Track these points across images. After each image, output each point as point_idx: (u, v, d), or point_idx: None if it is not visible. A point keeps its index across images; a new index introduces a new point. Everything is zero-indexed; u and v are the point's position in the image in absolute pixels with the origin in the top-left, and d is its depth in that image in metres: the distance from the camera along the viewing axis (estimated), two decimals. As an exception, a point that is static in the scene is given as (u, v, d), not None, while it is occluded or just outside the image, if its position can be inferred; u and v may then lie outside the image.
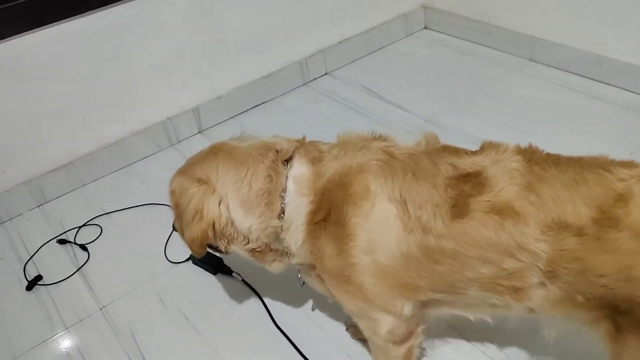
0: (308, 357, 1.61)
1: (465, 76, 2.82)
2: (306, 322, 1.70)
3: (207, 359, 1.65)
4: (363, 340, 1.62)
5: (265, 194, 1.31)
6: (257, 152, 1.34)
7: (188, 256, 1.96)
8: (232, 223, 1.33)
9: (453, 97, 2.65)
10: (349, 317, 1.66)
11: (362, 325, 1.38)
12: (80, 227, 2.16)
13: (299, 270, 1.44)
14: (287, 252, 1.37)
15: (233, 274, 1.88)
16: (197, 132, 2.65)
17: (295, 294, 1.76)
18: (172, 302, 1.83)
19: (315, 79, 2.95)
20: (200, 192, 1.31)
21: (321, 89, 2.89)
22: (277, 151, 1.33)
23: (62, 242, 2.10)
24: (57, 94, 2.18)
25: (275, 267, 1.47)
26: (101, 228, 2.15)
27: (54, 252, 2.07)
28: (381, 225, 1.18)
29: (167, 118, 2.52)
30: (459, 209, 1.12)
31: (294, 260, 1.38)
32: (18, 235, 2.16)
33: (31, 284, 1.92)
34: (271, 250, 1.41)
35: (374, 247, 1.19)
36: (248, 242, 1.37)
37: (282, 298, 1.80)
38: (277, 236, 1.35)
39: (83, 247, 2.06)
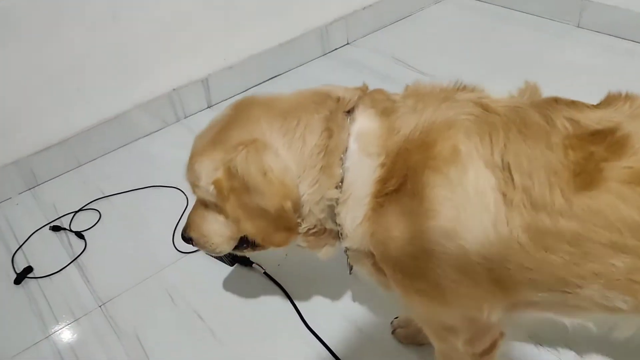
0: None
1: (500, 43, 2.56)
2: (340, 321, 1.44)
3: (224, 363, 1.41)
4: (415, 345, 1.37)
5: (323, 154, 1.03)
6: (310, 100, 1.06)
7: (200, 245, 1.71)
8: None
9: (489, 65, 2.38)
10: (397, 317, 1.41)
11: (431, 333, 1.13)
12: (76, 212, 1.89)
13: (347, 253, 1.15)
14: (339, 232, 1.08)
15: (253, 265, 1.63)
16: (206, 106, 2.38)
17: (327, 289, 1.52)
18: (183, 298, 1.57)
19: (336, 48, 2.69)
20: (253, 152, 1.02)
21: (344, 59, 2.63)
22: (337, 99, 1.05)
23: (56, 228, 1.84)
24: (48, 60, 1.91)
25: (325, 253, 1.18)
26: (100, 213, 1.89)
27: (47, 241, 1.81)
28: (474, 199, 0.90)
29: (173, 89, 2.25)
30: (586, 178, 0.85)
31: (346, 244, 1.09)
32: (6, 222, 1.90)
33: (20, 277, 1.66)
34: (325, 231, 1.13)
35: (461, 228, 0.91)
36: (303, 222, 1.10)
37: (311, 293, 1.54)
38: (332, 211, 1.07)
39: (79, 235, 1.80)
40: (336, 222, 1.07)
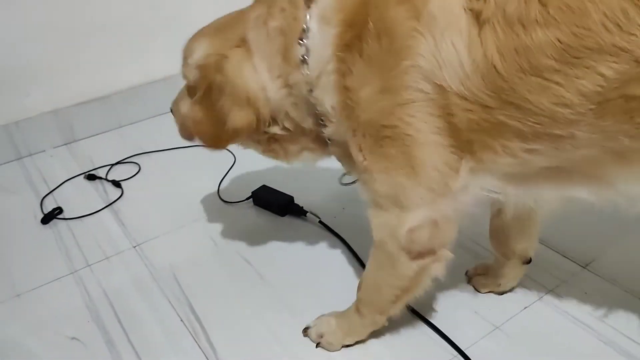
0: (415, 309, 1.16)
1: None
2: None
3: (274, 307, 1.20)
4: (496, 292, 1.19)
5: (280, 36, 0.97)
6: None
7: (249, 195, 1.55)
8: (265, 92, 1.00)
9: None
10: (474, 267, 1.24)
11: (378, 220, 0.99)
12: (114, 164, 1.76)
13: (331, 149, 1.05)
14: (323, 128, 0.99)
15: (307, 214, 1.46)
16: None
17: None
18: (228, 243, 1.40)
19: None
20: (234, 61, 0.99)
21: None
22: None
23: (91, 177, 1.69)
24: (98, 11, 1.83)
25: (306, 158, 1.11)
26: (139, 166, 1.74)
27: (80, 188, 1.67)
28: (442, 21, 0.80)
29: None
30: None
31: (329, 131, 0.98)
32: (37, 170, 1.76)
33: (48, 217, 1.51)
34: (303, 132, 1.05)
35: (436, 63, 0.80)
36: (273, 124, 1.05)
37: (369, 244, 1.34)
38: (307, 101, 0.98)
39: (116, 184, 1.65)
40: (317, 112, 0.97)
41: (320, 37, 0.92)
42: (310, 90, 0.95)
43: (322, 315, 1.15)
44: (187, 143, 1.94)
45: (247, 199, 1.54)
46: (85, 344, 1.15)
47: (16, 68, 1.76)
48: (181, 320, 1.19)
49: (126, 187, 1.65)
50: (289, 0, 0.96)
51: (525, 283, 1.22)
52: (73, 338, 1.16)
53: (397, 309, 1.06)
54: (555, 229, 1.34)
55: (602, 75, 0.74)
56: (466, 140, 0.86)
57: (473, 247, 1.33)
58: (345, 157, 1.03)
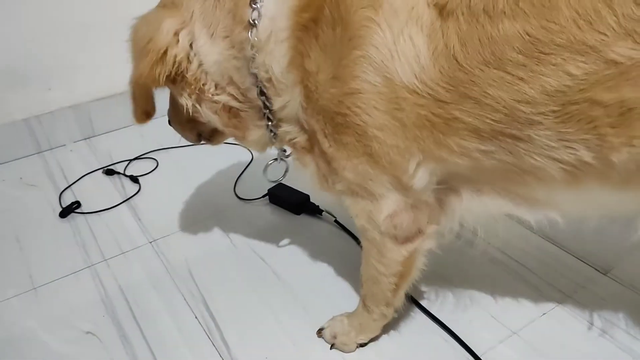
0: (424, 307, 1.16)
1: None
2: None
3: (288, 306, 1.20)
4: None
5: (230, 1, 0.92)
6: None
7: (265, 192, 1.54)
8: (198, 58, 0.96)
9: None
10: None
11: (356, 207, 0.98)
12: (132, 159, 1.77)
13: (276, 131, 1.02)
14: (265, 100, 0.96)
15: (323, 213, 1.45)
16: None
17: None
18: (243, 241, 1.39)
19: None
20: (155, 16, 0.97)
21: None
22: None
23: (109, 172, 1.70)
24: (123, 2, 1.83)
25: (253, 138, 1.07)
26: (157, 162, 1.75)
27: (98, 183, 1.68)
28: (403, 16, 0.77)
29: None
30: None
31: (277, 104, 0.96)
32: (57, 164, 1.78)
33: (66, 211, 1.52)
34: (251, 104, 1.01)
35: (389, 55, 0.78)
36: (218, 89, 1.00)
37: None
38: (247, 65, 0.93)
39: (134, 179, 1.66)
40: (259, 79, 0.94)
41: (275, 3, 0.89)
42: (254, 55, 0.92)
43: (335, 316, 1.14)
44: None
45: (263, 196, 1.54)
46: (100, 339, 1.15)
47: (39, 63, 1.78)
48: (195, 317, 1.19)
49: (144, 183, 1.65)
50: None
51: (544, 288, 1.20)
52: (88, 332, 1.17)
53: (399, 298, 1.06)
54: (575, 234, 1.32)
55: (569, 74, 0.71)
56: (414, 136, 0.83)
57: (488, 249, 1.31)
58: (297, 147, 1.02)
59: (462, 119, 0.79)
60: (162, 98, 1.13)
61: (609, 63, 0.69)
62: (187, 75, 0.97)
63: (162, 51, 0.94)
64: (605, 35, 0.68)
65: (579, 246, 1.30)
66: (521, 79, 0.73)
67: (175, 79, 0.98)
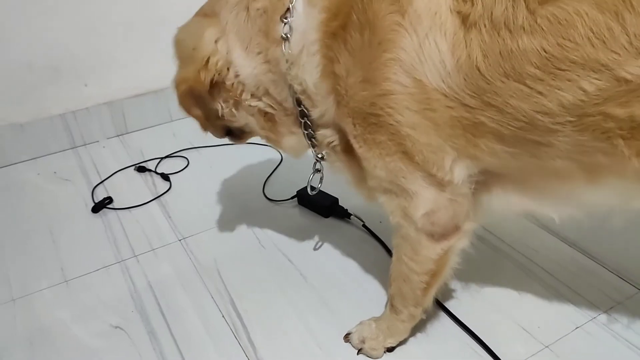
0: (455, 315, 1.14)
1: None
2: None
3: (315, 308, 1.19)
4: None
5: (263, 16, 0.97)
6: None
7: (293, 194, 1.54)
8: (234, 68, 1.02)
9: None
10: None
11: (390, 205, 0.99)
12: (163, 157, 1.79)
13: (313, 138, 1.06)
14: (302, 110, 1.00)
15: (351, 217, 1.44)
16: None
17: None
18: (272, 242, 1.39)
19: None
20: (198, 25, 1.02)
21: None
22: None
23: (141, 169, 1.73)
24: (163, 1, 1.85)
25: (289, 144, 1.11)
26: (188, 160, 1.77)
27: (130, 179, 1.70)
28: (426, 21, 0.80)
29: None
30: None
31: (314, 114, 0.99)
32: (90, 160, 1.81)
33: (98, 206, 1.54)
34: (286, 113, 1.05)
35: (417, 59, 0.81)
36: (254, 98, 1.05)
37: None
38: (283, 78, 0.98)
39: (165, 177, 1.68)
40: (294, 89, 0.98)
41: (306, 18, 0.93)
42: (289, 68, 0.96)
43: (363, 321, 1.13)
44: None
45: (292, 198, 1.54)
46: (128, 333, 1.16)
47: (77, 59, 1.82)
48: (222, 316, 1.19)
49: (174, 181, 1.67)
50: None
51: (578, 302, 1.17)
52: (117, 327, 1.18)
53: (429, 298, 1.05)
54: (614, 249, 1.29)
55: (583, 90, 0.74)
56: (447, 135, 0.86)
57: (522, 260, 1.29)
58: (333, 149, 1.04)
59: (487, 124, 0.82)
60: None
61: (620, 81, 0.72)
62: (226, 83, 1.02)
63: (205, 58, 0.99)
64: (618, 54, 0.70)
65: (617, 262, 1.26)
66: (539, 92, 0.76)
67: (215, 85, 1.02)
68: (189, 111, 1.10)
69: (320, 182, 1.20)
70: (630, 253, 1.29)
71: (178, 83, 1.05)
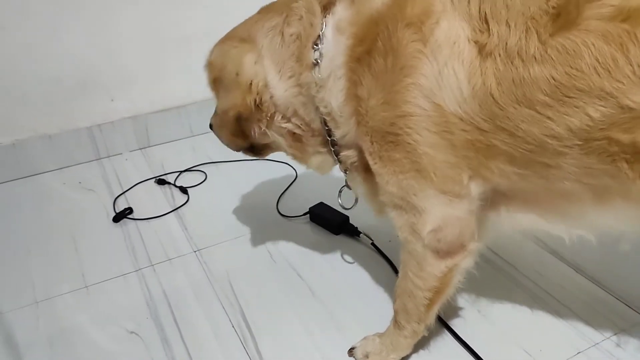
0: (459, 335, 1.16)
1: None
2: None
3: (322, 323, 1.23)
4: None
5: (296, 41, 1.04)
6: None
7: (306, 210, 1.59)
8: (269, 90, 1.08)
9: None
10: None
11: (399, 221, 1.03)
12: (182, 171, 1.85)
13: (339, 155, 1.11)
14: (328, 130, 1.06)
15: (361, 235, 1.48)
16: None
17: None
18: (283, 256, 1.44)
19: None
20: (237, 51, 1.08)
21: None
22: None
23: (161, 182, 1.80)
24: (182, 22, 1.93)
25: (317, 163, 1.18)
26: (206, 174, 1.83)
27: (150, 191, 1.77)
28: (446, 50, 0.85)
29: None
30: (564, 19, 0.78)
31: (337, 134, 1.05)
32: (113, 171, 1.89)
33: (119, 216, 1.61)
34: (313, 133, 1.11)
35: (437, 84, 0.87)
36: (284, 119, 1.11)
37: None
38: (312, 101, 1.05)
39: (183, 190, 1.75)
40: (321, 112, 1.04)
41: (334, 44, 0.99)
42: (318, 92, 1.02)
43: (367, 336, 1.16)
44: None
45: (304, 214, 1.59)
46: (143, 339, 1.22)
47: (104, 75, 1.90)
48: (232, 326, 1.23)
49: (192, 194, 1.73)
50: (307, 9, 1.04)
51: (581, 327, 1.19)
52: (132, 332, 1.23)
53: (432, 314, 1.08)
54: (620, 275, 1.31)
55: (589, 116, 0.79)
56: (463, 155, 0.91)
57: (528, 284, 1.31)
58: (354, 167, 1.10)
59: (499, 147, 0.88)
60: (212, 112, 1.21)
61: (624, 108, 0.77)
62: (263, 105, 1.08)
63: (248, 82, 1.05)
64: (622, 83, 0.75)
65: (623, 288, 1.28)
66: (549, 117, 0.82)
67: (256, 107, 1.09)
68: (235, 135, 1.16)
69: (356, 202, 1.27)
70: (636, 280, 1.30)
71: (227, 109, 1.11)
